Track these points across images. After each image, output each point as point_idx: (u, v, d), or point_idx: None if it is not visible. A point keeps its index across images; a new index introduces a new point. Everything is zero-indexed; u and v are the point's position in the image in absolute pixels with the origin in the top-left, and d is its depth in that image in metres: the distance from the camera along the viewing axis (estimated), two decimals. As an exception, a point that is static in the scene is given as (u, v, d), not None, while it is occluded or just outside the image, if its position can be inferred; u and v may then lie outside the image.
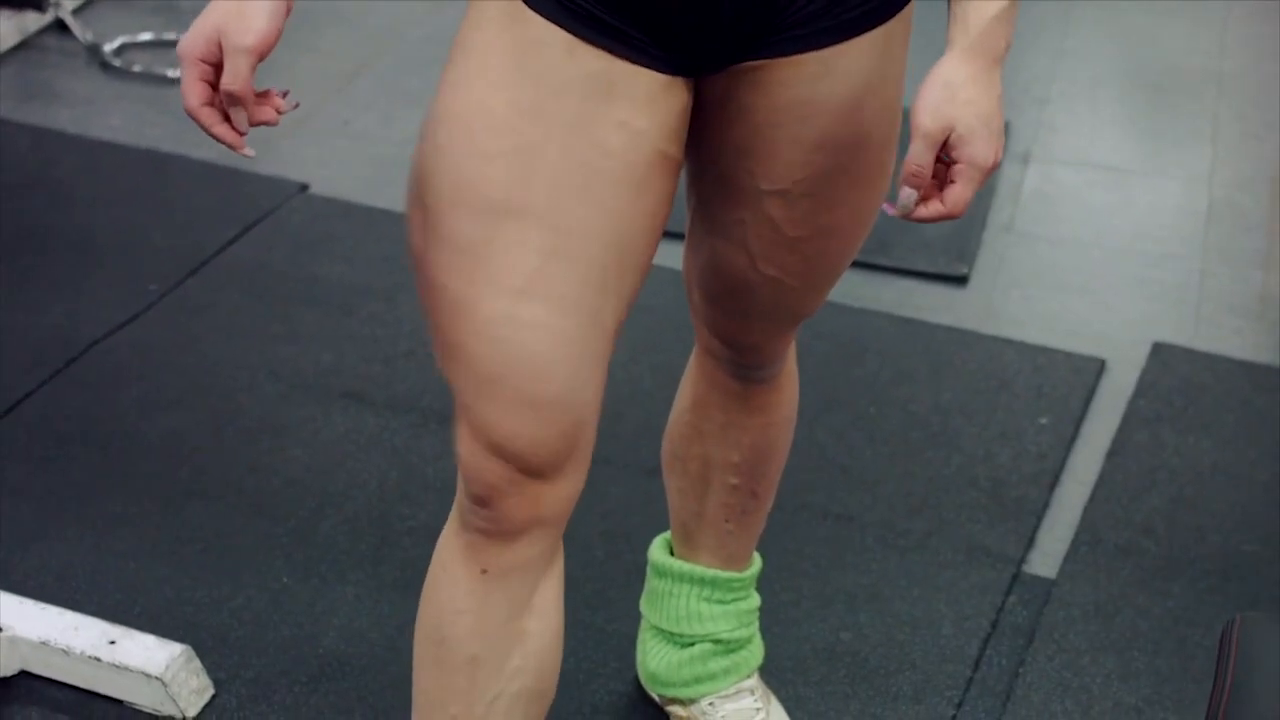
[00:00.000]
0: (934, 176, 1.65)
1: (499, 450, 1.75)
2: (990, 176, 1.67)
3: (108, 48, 4.23)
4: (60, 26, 4.31)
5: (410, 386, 3.10)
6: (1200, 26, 4.50)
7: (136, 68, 4.18)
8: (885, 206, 1.70)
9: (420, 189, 1.73)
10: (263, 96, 1.65)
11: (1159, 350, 3.24)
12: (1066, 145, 3.95)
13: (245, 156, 1.68)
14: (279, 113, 1.66)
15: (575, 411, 1.76)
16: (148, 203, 3.66)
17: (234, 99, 1.62)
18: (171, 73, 4.14)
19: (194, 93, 1.63)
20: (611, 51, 1.66)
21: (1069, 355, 3.23)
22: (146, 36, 4.31)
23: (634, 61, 1.67)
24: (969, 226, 3.60)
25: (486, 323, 1.70)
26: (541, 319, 1.70)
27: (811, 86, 1.75)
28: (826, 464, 2.94)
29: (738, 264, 1.93)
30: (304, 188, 3.72)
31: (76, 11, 4.38)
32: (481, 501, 1.80)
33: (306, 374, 3.13)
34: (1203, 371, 3.19)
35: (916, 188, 1.64)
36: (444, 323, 1.74)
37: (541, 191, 1.67)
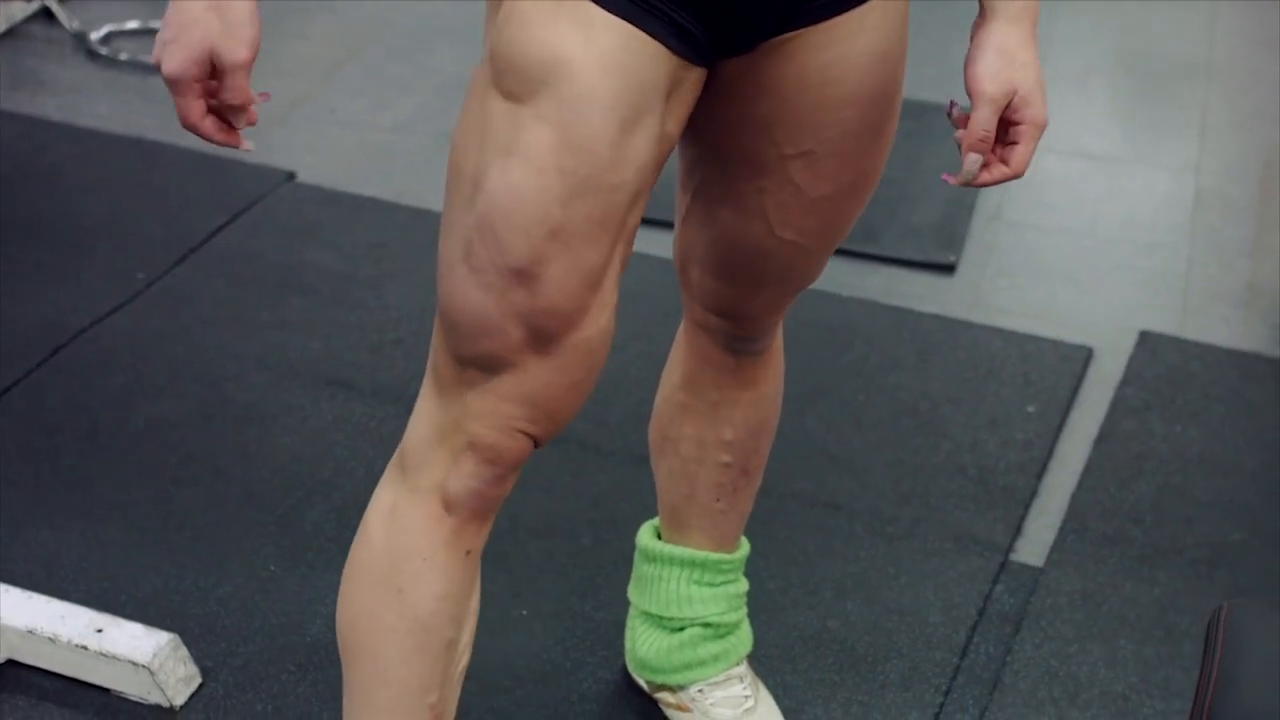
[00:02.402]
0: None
1: (546, 435, 1.79)
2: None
3: (94, 36, 4.22)
4: (47, 14, 4.30)
5: (398, 374, 3.10)
6: (1189, 16, 4.50)
7: (123, 56, 4.17)
8: (947, 177, 1.76)
9: (534, 212, 1.67)
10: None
11: (1146, 338, 3.24)
12: (1055, 134, 3.94)
13: (247, 150, 1.67)
14: (253, 104, 1.65)
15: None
16: (135, 191, 3.66)
17: (237, 109, 1.62)
18: (159, 61, 4.13)
19: (194, 111, 1.62)
20: (672, 48, 1.68)
21: (1056, 344, 3.23)
22: (133, 25, 4.30)
23: (687, 57, 1.70)
24: (957, 215, 3.60)
25: (589, 339, 1.75)
26: (611, 325, 1.78)
27: (844, 45, 1.78)
28: (814, 452, 2.94)
29: (753, 232, 1.95)
30: (291, 176, 3.72)
31: (63, 0, 4.37)
32: (498, 480, 1.80)
33: (294, 362, 3.13)
34: (1191, 360, 3.19)
35: (983, 153, 1.71)
36: (543, 333, 1.72)
37: (638, 211, 1.74)
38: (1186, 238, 3.58)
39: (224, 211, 3.57)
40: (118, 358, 3.13)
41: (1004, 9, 1.71)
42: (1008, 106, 1.70)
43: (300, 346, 3.17)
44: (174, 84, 1.60)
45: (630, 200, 1.70)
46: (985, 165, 1.73)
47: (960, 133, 1.73)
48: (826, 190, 1.90)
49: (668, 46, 1.68)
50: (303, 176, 3.72)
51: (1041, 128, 1.72)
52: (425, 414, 1.82)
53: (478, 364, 1.75)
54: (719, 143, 1.88)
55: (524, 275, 1.68)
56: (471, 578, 1.88)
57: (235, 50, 1.59)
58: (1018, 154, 1.72)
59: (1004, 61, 1.69)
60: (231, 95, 1.61)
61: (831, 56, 1.79)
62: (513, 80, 1.66)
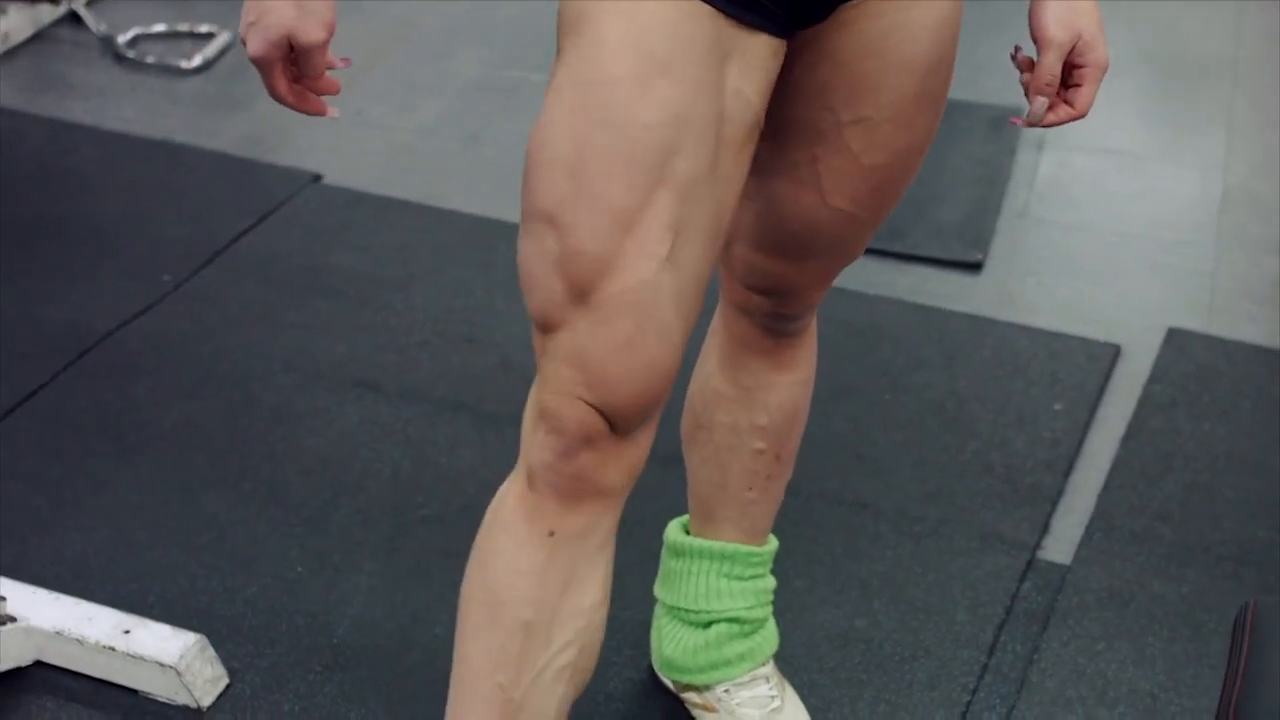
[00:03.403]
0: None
1: (606, 406, 1.76)
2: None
3: (121, 39, 4.24)
4: (74, 19, 4.32)
5: (424, 376, 3.10)
6: (1216, 14, 4.49)
7: (150, 59, 4.18)
8: (1014, 119, 1.87)
9: (564, 151, 1.71)
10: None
11: (1174, 336, 3.23)
12: (1082, 131, 3.93)
13: (333, 117, 1.77)
14: (332, 69, 1.76)
15: (674, 375, 1.80)
16: (161, 193, 3.67)
17: (319, 86, 1.73)
18: (185, 64, 4.14)
19: (279, 86, 1.71)
20: (735, 17, 1.70)
21: (1084, 341, 3.22)
22: (160, 28, 4.31)
23: (754, 25, 1.72)
24: (983, 213, 3.59)
25: (629, 289, 1.71)
26: (674, 288, 1.73)
27: (904, 12, 1.81)
28: (841, 451, 2.93)
29: (805, 202, 1.96)
30: (317, 178, 3.72)
31: (90, 4, 4.39)
32: (566, 453, 1.79)
33: (321, 363, 3.13)
34: (1218, 357, 3.18)
35: (1049, 96, 1.81)
36: (579, 281, 1.72)
37: (685, 160, 1.70)
38: (1213, 235, 3.57)
39: (250, 213, 3.58)
40: (145, 360, 3.14)
41: None
42: (1072, 50, 1.79)
43: (327, 348, 3.18)
44: (257, 65, 1.69)
45: (666, 145, 1.68)
46: (1051, 107, 1.82)
47: (1026, 76, 1.82)
48: (880, 158, 1.91)
49: (715, 5, 1.69)
50: (329, 178, 3.73)
51: (1103, 69, 1.81)
52: (531, 390, 1.84)
53: (540, 325, 1.76)
54: (775, 111, 1.87)
55: (551, 218, 1.71)
56: (563, 565, 1.85)
57: (310, 32, 1.67)
58: (1082, 95, 1.82)
59: (1068, 8, 1.78)
60: (310, 72, 1.71)
61: (892, 23, 1.81)
62: (560, 37, 1.72)
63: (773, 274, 2.07)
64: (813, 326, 2.23)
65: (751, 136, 1.77)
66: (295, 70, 1.72)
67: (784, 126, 1.90)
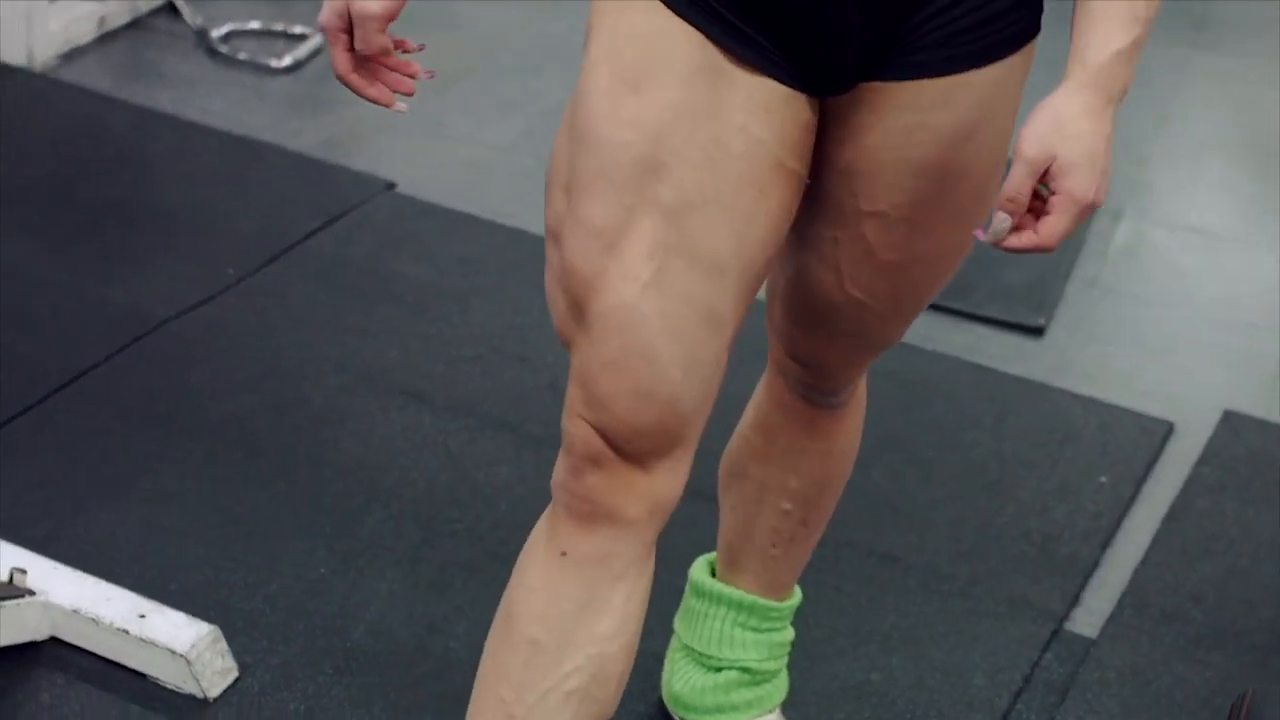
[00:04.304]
0: (1031, 210, 1.66)
1: (602, 428, 1.77)
2: (1088, 216, 1.66)
3: (216, 34, 4.27)
4: (171, 9, 4.36)
5: (472, 390, 3.11)
6: (1313, 97, 4.44)
7: (242, 55, 4.21)
8: (977, 233, 1.71)
9: (562, 171, 1.76)
10: (402, 64, 1.78)
11: (1229, 418, 3.19)
12: (1162, 205, 3.91)
13: (400, 111, 1.79)
14: (414, 78, 1.79)
15: (681, 409, 1.78)
16: (235, 187, 3.70)
17: (369, 62, 1.76)
18: (275, 62, 4.17)
19: (340, 61, 1.76)
20: (735, 55, 1.70)
21: (1138, 415, 3.18)
22: (255, 25, 4.34)
23: (756, 67, 1.70)
24: (1052, 278, 3.56)
25: (612, 309, 1.72)
26: (664, 315, 1.72)
27: (928, 113, 1.76)
28: (878, 502, 2.91)
29: (825, 282, 1.94)
30: (391, 186, 3.74)
31: (189, -4, 4.44)
32: (574, 471, 1.81)
33: (371, 369, 3.14)
34: (1272, 443, 3.14)
35: (1011, 214, 1.64)
36: (574, 299, 1.75)
37: (671, 186, 1.70)
38: (1282, 321, 3.53)
39: (321, 215, 3.60)
40: (199, 350, 3.16)
41: (1077, 75, 1.65)
42: (1046, 174, 1.64)
43: (379, 354, 3.19)
44: (324, 32, 1.75)
45: (641, 165, 1.69)
46: (1019, 229, 1.66)
47: None
48: (895, 257, 1.88)
49: (717, 42, 1.69)
50: (402, 187, 3.74)
51: (1080, 204, 1.63)
52: None
53: (562, 342, 1.80)
54: (812, 180, 1.86)
55: (555, 236, 1.75)
56: (577, 588, 1.84)
57: (365, 5, 1.71)
58: (1047, 223, 1.65)
59: (1052, 126, 1.63)
60: (360, 44, 1.74)
61: (916, 120, 1.77)
62: None
63: (801, 345, 2.06)
64: (856, 402, 2.21)
65: (776, 181, 1.75)
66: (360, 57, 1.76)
67: (815, 201, 1.88)
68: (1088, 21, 1.64)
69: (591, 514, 1.83)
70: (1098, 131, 1.63)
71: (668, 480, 1.83)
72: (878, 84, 1.76)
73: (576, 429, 1.78)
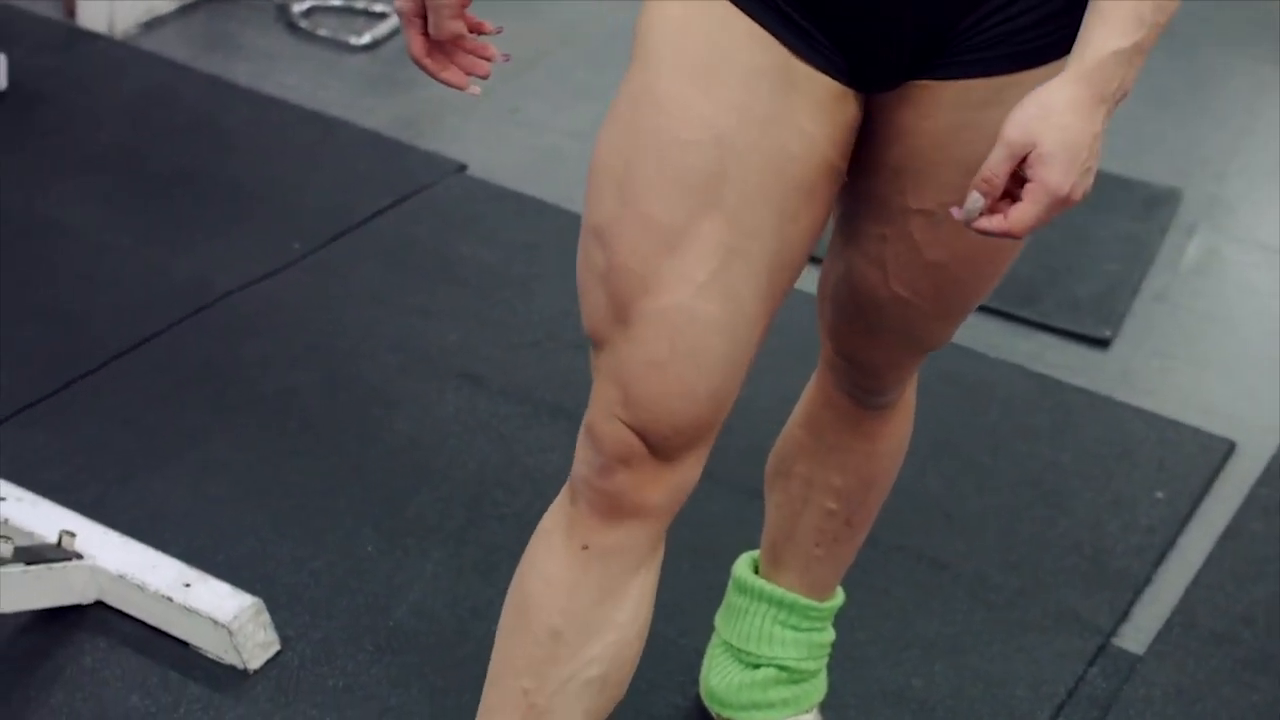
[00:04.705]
0: (1011, 195, 1.62)
1: (641, 427, 1.76)
2: (1061, 210, 1.61)
3: (297, 8, 4.29)
4: (254, -18, 4.39)
5: (528, 377, 3.10)
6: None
7: (321, 31, 4.23)
8: (952, 210, 1.65)
9: (616, 168, 1.72)
10: (478, 47, 1.78)
11: (1293, 440, 3.16)
12: (1236, 223, 3.86)
13: (473, 95, 1.80)
14: (489, 60, 1.79)
15: (719, 406, 1.78)
16: (306, 163, 3.71)
17: (465, 64, 1.78)
18: (354, 40, 4.19)
19: (415, 45, 1.77)
20: (794, 49, 1.68)
21: (1198, 432, 3.15)
22: (336, 2, 4.36)
23: (813, 64, 1.69)
24: (1121, 291, 3.52)
25: (665, 310, 1.71)
26: (715, 316, 1.72)
27: (978, 112, 1.74)
28: (930, 507, 2.89)
29: (871, 279, 1.93)
30: (462, 168, 3.74)
31: (272, -30, 4.46)
32: (604, 470, 1.80)
33: (429, 350, 3.15)
34: (1334, 468, 3.10)
35: (985, 194, 1.60)
36: (619, 297, 1.73)
37: (734, 187, 1.69)
38: (1353, 344, 3.49)
39: (390, 194, 3.61)
40: (259, 322, 3.17)
41: (1075, 67, 1.60)
42: (1024, 160, 1.59)
43: (438, 335, 3.19)
44: (399, 15, 1.75)
45: (709, 167, 1.67)
46: (992, 211, 1.62)
47: None
48: (941, 256, 1.86)
49: (776, 36, 1.67)
50: (473, 170, 3.75)
51: (1053, 195, 1.58)
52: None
53: (593, 340, 1.77)
54: (857, 180, 1.86)
55: (600, 233, 1.71)
56: (597, 579, 1.84)
57: None
58: (1017, 210, 1.59)
59: (1037, 114, 1.58)
60: (435, 30, 1.74)
61: (965, 119, 1.76)
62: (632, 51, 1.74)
63: (848, 342, 2.05)
64: (905, 403, 2.19)
65: (823, 182, 1.74)
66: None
67: (862, 198, 1.87)
68: (1094, 18, 1.60)
69: (617, 509, 1.82)
70: (1083, 127, 1.59)
71: (691, 469, 1.83)
72: (926, 82, 1.74)
73: (612, 429, 1.77)
